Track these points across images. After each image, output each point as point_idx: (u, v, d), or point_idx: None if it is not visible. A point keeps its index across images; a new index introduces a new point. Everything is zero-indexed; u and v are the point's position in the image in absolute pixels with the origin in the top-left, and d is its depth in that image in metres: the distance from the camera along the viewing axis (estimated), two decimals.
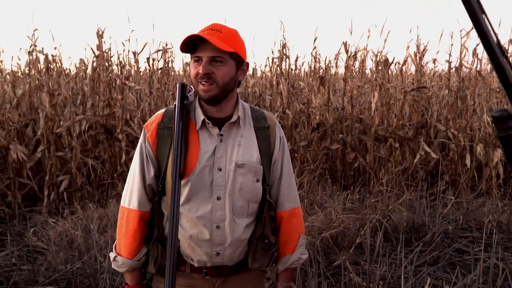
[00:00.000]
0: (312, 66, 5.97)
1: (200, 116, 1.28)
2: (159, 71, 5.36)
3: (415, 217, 3.88)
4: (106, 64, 5.01)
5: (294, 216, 1.40)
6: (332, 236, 3.52)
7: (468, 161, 5.04)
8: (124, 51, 5.23)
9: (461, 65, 5.47)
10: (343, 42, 5.47)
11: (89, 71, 5.26)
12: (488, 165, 5.08)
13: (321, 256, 3.09)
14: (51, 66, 5.16)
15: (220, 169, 1.27)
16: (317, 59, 5.95)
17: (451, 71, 5.57)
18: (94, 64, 5.05)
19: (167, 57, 5.33)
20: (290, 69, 5.55)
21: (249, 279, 1.38)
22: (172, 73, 5.63)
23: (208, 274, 1.30)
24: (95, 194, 4.72)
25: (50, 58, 4.95)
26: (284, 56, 5.51)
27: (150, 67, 5.31)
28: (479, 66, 5.73)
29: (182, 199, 1.24)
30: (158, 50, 5.21)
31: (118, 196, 4.52)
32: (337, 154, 5.42)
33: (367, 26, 7.20)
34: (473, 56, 5.68)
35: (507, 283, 2.66)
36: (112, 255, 1.34)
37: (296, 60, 6.07)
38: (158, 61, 5.35)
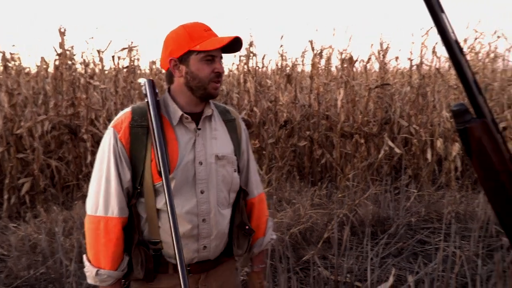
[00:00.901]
0: (279, 64, 6.02)
1: (177, 112, 1.29)
2: (125, 70, 5.27)
3: (380, 211, 4.01)
4: (69, 62, 4.87)
5: (262, 201, 1.51)
6: (300, 231, 3.58)
7: (429, 155, 5.24)
8: (87, 49, 5.11)
9: (421, 63, 5.67)
10: (309, 40, 5.55)
11: (51, 69, 5.10)
12: (447, 159, 5.30)
13: (290, 251, 3.14)
14: (10, 65, 4.97)
15: (201, 163, 1.29)
16: (283, 57, 6.01)
17: (412, 68, 5.76)
18: (57, 63, 4.90)
19: (132, 55, 5.24)
20: (257, 67, 5.58)
21: (227, 269, 1.43)
22: (139, 71, 5.54)
23: (192, 272, 1.31)
24: (60, 196, 4.59)
25: (8, 56, 4.77)
26: (251, 54, 5.54)
27: (115, 66, 5.20)
28: (438, 64, 5.98)
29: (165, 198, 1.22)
30: (124, 48, 5.11)
31: (84, 198, 4.42)
32: (305, 150, 5.51)
33: (332, 24, 7.32)
34: (432, 54, 5.92)
35: (463, 269, 2.80)
36: (91, 269, 1.25)
37: (263, 58, 6.11)
38: (124, 60, 5.26)
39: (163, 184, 1.14)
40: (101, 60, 5.44)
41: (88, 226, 1.26)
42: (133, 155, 1.26)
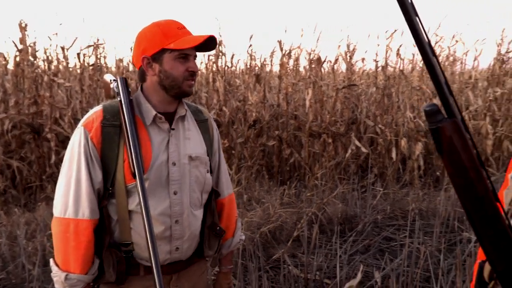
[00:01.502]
0: (248, 64, 6.04)
1: (150, 112, 1.27)
2: (91, 68, 5.12)
3: (348, 209, 4.09)
4: (31, 59, 4.68)
5: (231, 201, 1.51)
6: (270, 230, 3.61)
7: (394, 155, 5.40)
8: (51, 45, 4.93)
9: (386, 64, 5.84)
10: (278, 41, 5.60)
11: (10, 66, 4.89)
12: (410, 158, 5.49)
13: (261, 250, 3.16)
14: None
15: (174, 164, 1.27)
16: (252, 57, 6.04)
17: (378, 70, 5.92)
18: (17, 59, 4.70)
19: (98, 53, 5.10)
20: (226, 67, 5.57)
21: (198, 270, 1.43)
22: (106, 69, 5.40)
23: (163, 273, 1.28)
24: (21, 198, 4.42)
25: None
26: (220, 54, 5.52)
27: (80, 63, 5.05)
28: (402, 65, 6.18)
29: (138, 199, 1.18)
30: (89, 46, 4.97)
31: (48, 199, 4.28)
32: (273, 150, 5.55)
33: (301, 24, 7.41)
34: (396, 56, 6.11)
35: (427, 263, 2.91)
36: (60, 274, 1.20)
37: (232, 58, 6.10)
38: (89, 57, 5.11)
39: (137, 185, 1.12)
40: (65, 57, 5.27)
41: (57, 229, 1.22)
42: (105, 155, 1.23)
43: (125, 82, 1.24)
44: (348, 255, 3.11)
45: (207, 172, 1.37)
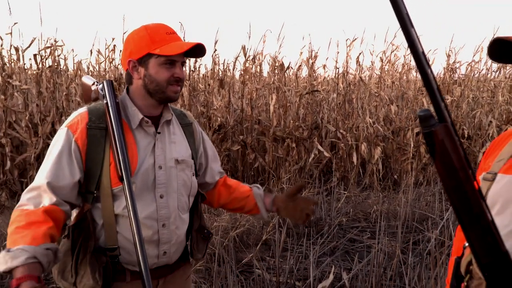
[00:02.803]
0: (212, 69, 6.03)
1: (136, 115, 1.26)
2: (47, 70, 4.91)
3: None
4: None
5: (225, 176, 1.56)
6: (238, 235, 3.62)
7: (355, 159, 5.57)
8: (2, 45, 4.68)
9: (347, 71, 6.03)
10: (242, 46, 5.63)
11: None
12: (370, 162, 5.69)
13: (230, 254, 3.16)
14: None
15: (160, 167, 1.27)
16: (216, 62, 6.03)
17: (338, 76, 6.10)
18: None
19: (56, 55, 4.90)
20: (190, 71, 5.54)
21: (183, 274, 1.43)
22: (67, 73, 5.18)
23: (150, 278, 1.28)
24: None
25: None
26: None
27: (37, 65, 4.83)
28: (360, 72, 6.40)
29: (124, 203, 1.19)
30: (47, 47, 4.77)
31: (3, 208, 4.05)
32: (238, 155, 5.57)
33: (263, 31, 7.50)
34: (356, 64, 6.32)
35: (391, 263, 3.03)
36: (3, 253, 1.00)
37: (195, 62, 6.07)
38: (46, 59, 4.90)
39: (124, 189, 1.12)
40: (18, 58, 5.02)
41: (15, 214, 1.13)
42: (89, 158, 1.21)
43: (111, 85, 1.24)
44: (316, 257, 3.18)
45: (193, 175, 1.37)
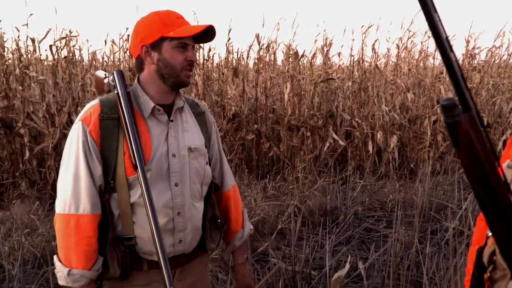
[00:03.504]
0: (226, 57, 6.00)
1: (148, 103, 1.26)
2: (63, 61, 4.95)
3: (328, 201, 4.16)
4: (0, 50, 4.49)
5: (236, 192, 1.52)
6: (253, 223, 3.63)
7: (370, 147, 5.51)
8: (19, 37, 4.73)
9: (362, 59, 5.94)
10: (255, 34, 5.58)
11: None
12: (386, 150, 5.62)
13: (246, 243, 3.17)
14: None
15: (174, 155, 1.27)
16: (230, 51, 6.00)
17: (353, 64, 6.01)
18: None
19: (71, 45, 4.93)
20: (204, 60, 5.52)
21: (201, 264, 1.43)
22: (82, 63, 5.22)
23: None
24: None
25: None
26: (198, 47, 5.46)
27: (53, 56, 4.87)
28: (376, 60, 6.29)
29: (139, 191, 1.19)
30: (62, 38, 4.80)
31: (23, 197, 4.13)
32: (252, 144, 5.56)
33: (277, 19, 7.40)
34: (372, 51, 6.21)
35: (408, 253, 3.00)
36: (63, 269, 1.19)
37: (209, 51, 6.06)
38: (61, 50, 4.93)
39: (138, 177, 1.14)
40: (35, 49, 5.07)
41: (58, 225, 1.21)
42: (104, 148, 1.21)
43: (122, 75, 1.23)
44: (332, 246, 3.17)
45: (206, 164, 1.37)
